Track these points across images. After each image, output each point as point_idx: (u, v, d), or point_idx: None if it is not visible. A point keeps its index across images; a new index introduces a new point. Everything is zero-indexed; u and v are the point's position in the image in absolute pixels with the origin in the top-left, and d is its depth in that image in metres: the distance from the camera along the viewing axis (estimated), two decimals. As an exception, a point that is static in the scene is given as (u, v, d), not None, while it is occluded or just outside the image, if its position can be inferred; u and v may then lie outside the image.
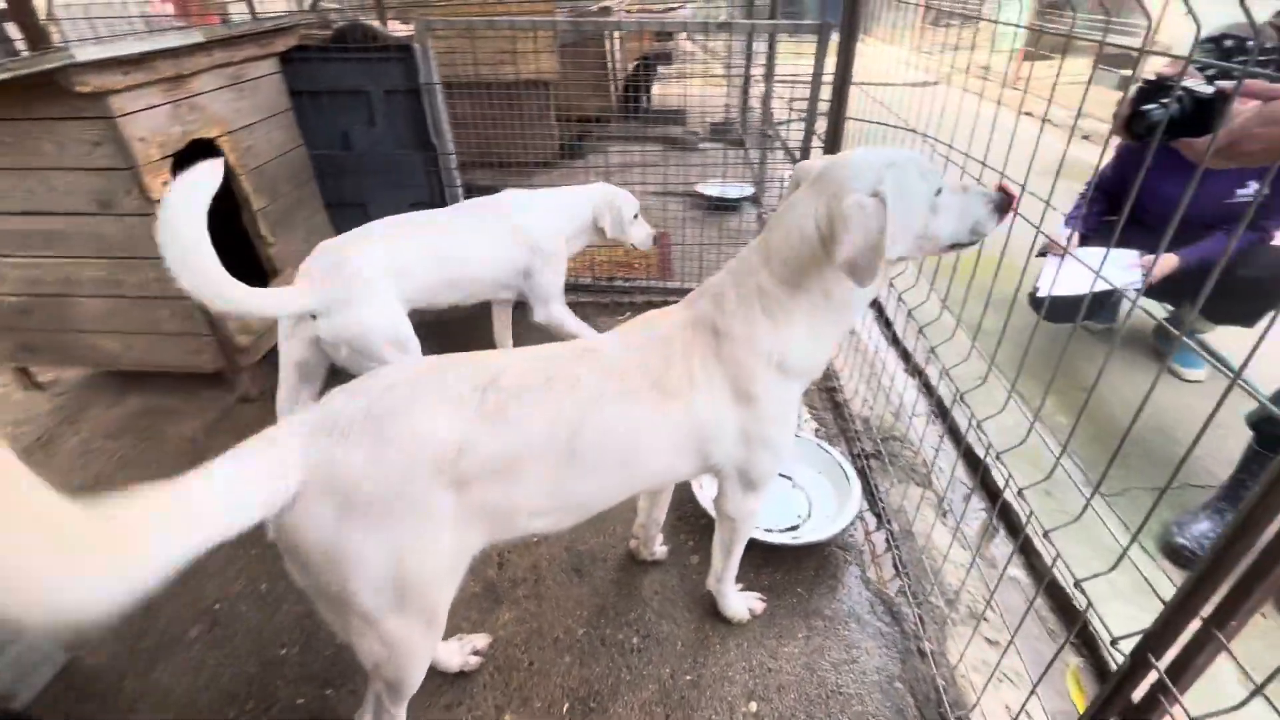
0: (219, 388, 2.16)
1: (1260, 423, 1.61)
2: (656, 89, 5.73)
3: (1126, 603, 1.29)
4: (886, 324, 2.69)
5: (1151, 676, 0.73)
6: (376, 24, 2.53)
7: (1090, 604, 0.89)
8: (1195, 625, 0.69)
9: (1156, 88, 1.25)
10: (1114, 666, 0.80)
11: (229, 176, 1.98)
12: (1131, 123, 1.31)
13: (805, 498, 1.75)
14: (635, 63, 5.52)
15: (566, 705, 1.28)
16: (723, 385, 1.07)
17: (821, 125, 2.33)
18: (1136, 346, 2.57)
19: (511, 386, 0.94)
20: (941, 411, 2.08)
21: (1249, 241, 2.05)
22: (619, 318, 2.67)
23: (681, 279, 2.88)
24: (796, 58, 4.47)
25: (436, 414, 0.88)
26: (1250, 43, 1.62)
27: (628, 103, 4.90)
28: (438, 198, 2.58)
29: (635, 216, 2.22)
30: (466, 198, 2.71)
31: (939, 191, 1.01)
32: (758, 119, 4.41)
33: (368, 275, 1.60)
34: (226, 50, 1.99)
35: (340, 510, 0.82)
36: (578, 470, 0.98)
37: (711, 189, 3.69)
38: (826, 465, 1.78)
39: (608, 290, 2.84)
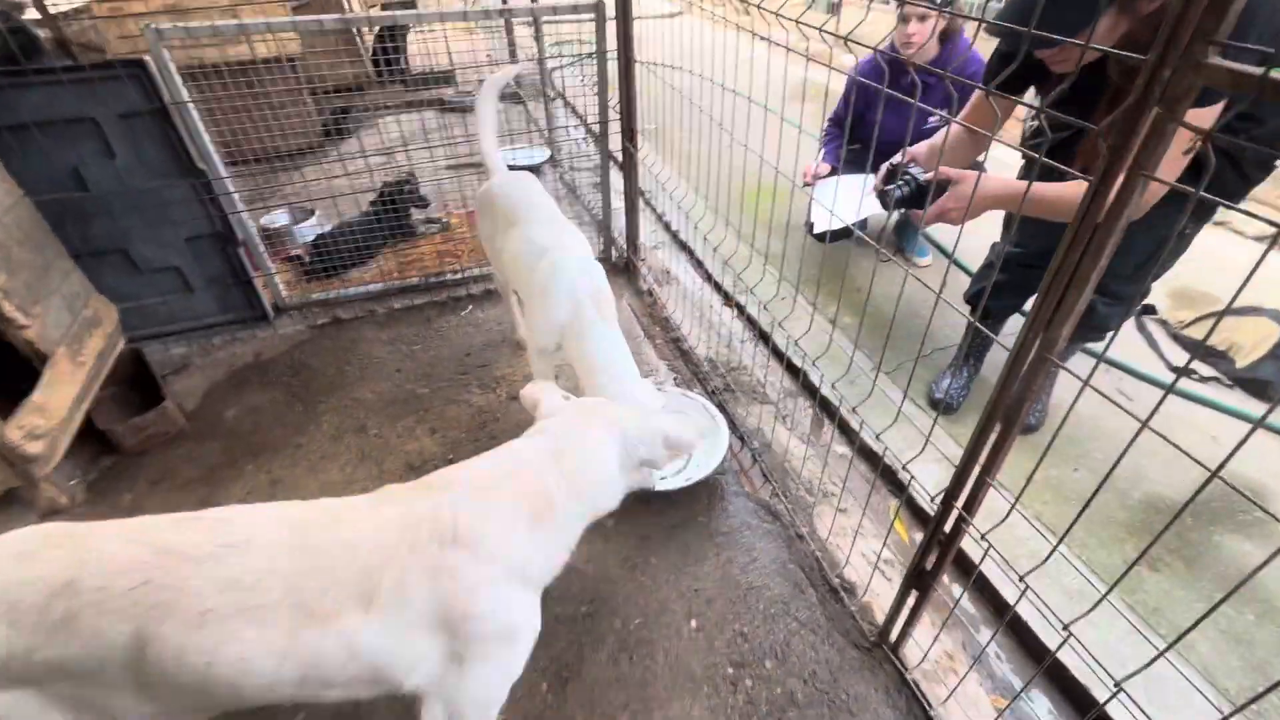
0: (13, 508, 1.81)
1: (974, 298, 2.21)
2: (414, 48, 5.32)
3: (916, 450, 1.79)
4: (698, 263, 3.04)
5: (954, 515, 1.11)
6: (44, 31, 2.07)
7: (907, 471, 1.28)
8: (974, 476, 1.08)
9: (893, 172, 1.69)
10: (930, 511, 1.19)
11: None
12: (881, 198, 1.77)
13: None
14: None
15: (545, 685, 1.45)
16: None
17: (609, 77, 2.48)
18: (884, 247, 3.23)
19: (92, 589, 0.81)
20: (763, 336, 2.49)
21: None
22: (461, 313, 2.66)
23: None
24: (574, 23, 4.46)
25: None
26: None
27: (383, 66, 4.51)
28: (219, 225, 2.29)
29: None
30: (248, 207, 2.45)
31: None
32: (533, 77, 4.39)
33: None
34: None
35: None
36: (173, 689, 0.85)
37: (515, 158, 3.67)
38: (693, 409, 2.08)
39: (440, 286, 2.79)
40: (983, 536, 1.03)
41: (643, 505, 1.82)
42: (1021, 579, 1.00)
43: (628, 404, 1.43)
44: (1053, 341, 0.87)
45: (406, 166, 3.11)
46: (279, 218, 3.10)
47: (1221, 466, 0.71)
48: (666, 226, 3.38)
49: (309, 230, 3.01)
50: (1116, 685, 0.89)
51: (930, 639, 1.43)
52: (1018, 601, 1.04)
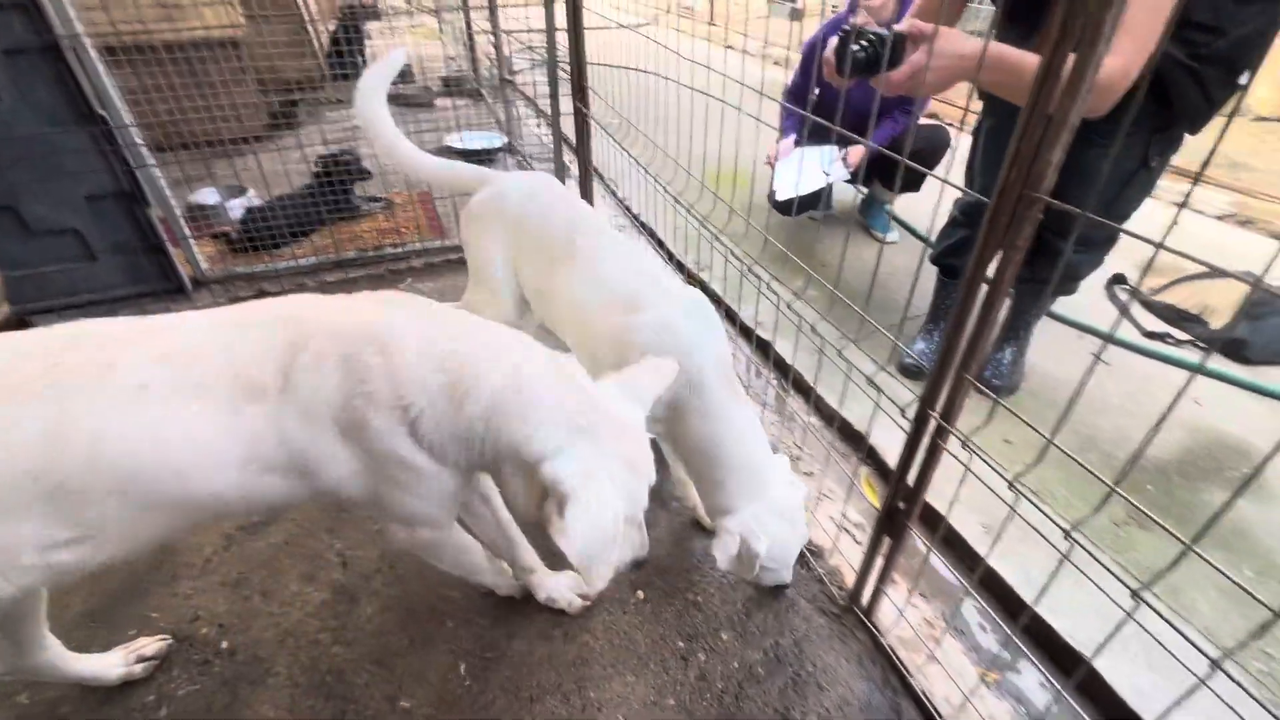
0: None
1: (938, 260, 2.10)
2: (373, 46, 5.20)
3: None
4: (659, 243, 2.90)
5: (932, 424, 0.95)
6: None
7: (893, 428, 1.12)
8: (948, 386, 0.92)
9: (852, 33, 1.49)
10: (904, 431, 1.03)
11: None
12: (839, 65, 1.55)
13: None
14: (338, 18, 4.94)
15: (463, 666, 1.24)
16: None
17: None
18: (849, 224, 3.15)
19: None
20: (729, 315, 2.34)
21: (903, 125, 2.61)
22: (399, 286, 2.47)
23: (454, 235, 2.74)
24: (522, 7, 4.40)
25: None
26: None
27: (338, 62, 4.38)
28: (126, 183, 2.07)
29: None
30: (173, 189, 2.25)
31: None
32: (492, 70, 4.29)
33: None
34: None
35: None
36: (102, 491, 0.73)
37: (462, 142, 3.53)
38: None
39: (379, 260, 2.60)
40: (965, 442, 0.87)
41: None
42: (1011, 485, 0.84)
43: (764, 512, 1.17)
44: (1035, 184, 0.73)
45: (348, 144, 2.93)
46: (208, 195, 2.88)
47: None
48: (627, 210, 3.26)
49: (238, 206, 2.80)
50: (1133, 594, 0.73)
51: (905, 602, 1.26)
52: (1009, 517, 0.87)
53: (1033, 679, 1.27)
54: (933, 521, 1.48)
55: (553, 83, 2.53)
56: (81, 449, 0.70)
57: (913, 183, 2.70)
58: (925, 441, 0.95)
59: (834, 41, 1.32)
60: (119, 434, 0.72)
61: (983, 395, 0.89)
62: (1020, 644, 0.96)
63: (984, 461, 0.91)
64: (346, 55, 4.67)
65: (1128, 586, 0.74)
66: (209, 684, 1.21)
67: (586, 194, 2.74)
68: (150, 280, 2.28)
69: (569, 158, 2.82)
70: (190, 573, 1.40)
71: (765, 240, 1.49)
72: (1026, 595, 1.35)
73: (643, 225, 3.04)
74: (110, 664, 1.18)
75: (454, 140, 3.52)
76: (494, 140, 3.65)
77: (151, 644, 1.24)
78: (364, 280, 2.50)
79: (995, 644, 1.33)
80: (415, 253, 2.64)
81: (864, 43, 1.22)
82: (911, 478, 1.03)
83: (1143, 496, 1.65)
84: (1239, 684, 0.70)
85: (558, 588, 1.31)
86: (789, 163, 2.63)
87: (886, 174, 2.80)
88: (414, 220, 2.85)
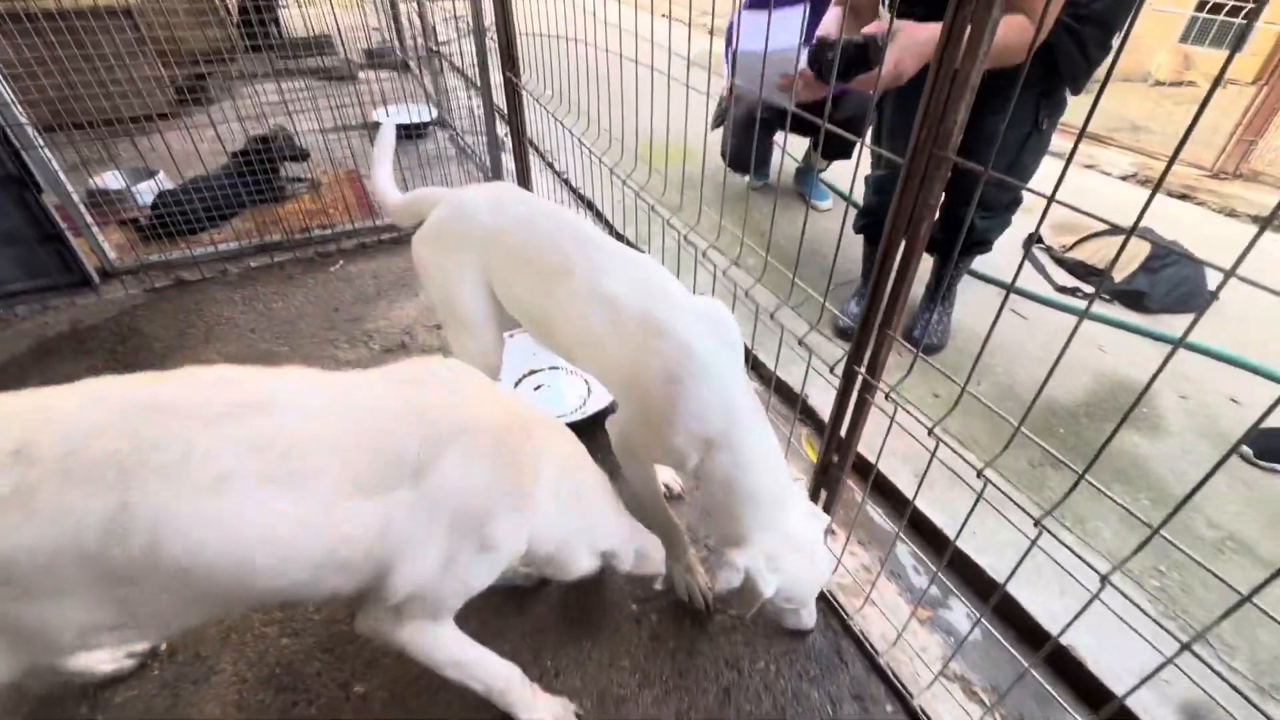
0: None
1: (860, 228, 2.16)
2: (288, 14, 4.88)
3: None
4: (598, 214, 2.88)
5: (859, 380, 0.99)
6: None
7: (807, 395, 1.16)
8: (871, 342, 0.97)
9: (824, 44, 1.49)
10: (834, 387, 1.08)
11: None
12: (820, 72, 1.52)
13: (584, 381, 1.88)
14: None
15: (417, 645, 1.24)
16: None
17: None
18: (787, 194, 3.21)
19: (56, 453, 0.63)
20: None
21: (840, 90, 2.66)
22: (330, 269, 2.38)
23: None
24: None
25: None
26: None
27: (252, 32, 4.09)
28: (13, 167, 1.90)
29: None
30: (71, 174, 2.08)
31: None
32: (417, 40, 4.10)
33: None
34: None
35: None
36: (156, 586, 0.68)
37: (390, 116, 3.38)
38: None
39: (306, 244, 2.48)
40: (889, 392, 0.92)
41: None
42: (930, 431, 0.90)
43: (779, 548, 1.07)
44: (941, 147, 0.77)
45: (278, 121, 2.76)
46: (111, 179, 2.67)
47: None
48: (567, 183, 3.21)
49: (147, 190, 2.61)
50: (1036, 522, 0.79)
51: (842, 550, 1.33)
52: (931, 459, 0.93)
53: (961, 613, 1.37)
54: (868, 473, 1.56)
55: (481, 53, 2.45)
56: (141, 543, 0.65)
57: (844, 150, 2.77)
58: (854, 397, 0.99)
59: (806, 59, 1.36)
60: (185, 531, 0.66)
61: (905, 350, 0.94)
62: (944, 579, 1.03)
63: (908, 413, 0.96)
64: (257, 24, 4.37)
65: (1032, 516, 0.81)
66: (147, 688, 1.17)
67: (524, 168, 2.69)
68: (50, 273, 2.12)
69: (503, 131, 2.75)
70: (119, 577, 1.34)
71: (700, 209, 1.51)
72: (952, 536, 1.44)
73: (581, 198, 3.01)
74: (99, 660, 1.16)
75: (380, 115, 3.38)
76: (424, 113, 3.52)
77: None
78: (291, 264, 2.39)
79: (927, 584, 1.43)
80: (345, 234, 2.54)
81: (834, 54, 1.25)
82: (844, 432, 1.08)
83: (1055, 439, 1.78)
84: (1129, 598, 0.78)
85: None
86: (755, 23, 2.56)
87: (861, 64, 2.88)
88: (341, 200, 2.73)
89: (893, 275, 0.84)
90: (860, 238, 2.22)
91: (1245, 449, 1.73)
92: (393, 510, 0.76)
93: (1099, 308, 2.31)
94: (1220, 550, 1.51)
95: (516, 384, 1.87)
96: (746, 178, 3.06)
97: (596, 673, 1.21)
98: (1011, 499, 1.04)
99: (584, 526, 1.01)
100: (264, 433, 0.70)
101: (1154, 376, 0.63)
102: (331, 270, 2.36)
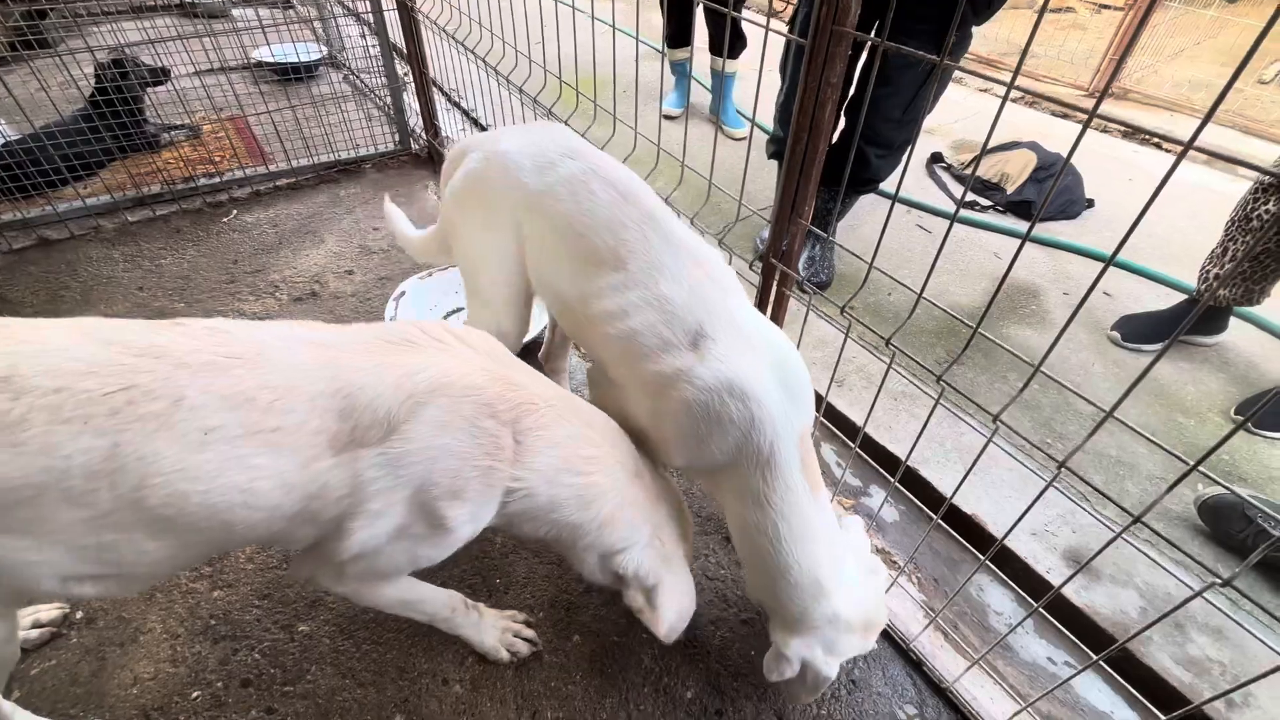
0: None
1: (774, 155, 2.19)
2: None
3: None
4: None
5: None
6: None
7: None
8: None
9: None
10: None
11: None
12: None
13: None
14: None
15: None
16: None
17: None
18: (705, 125, 3.20)
19: (44, 389, 0.62)
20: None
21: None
22: (223, 220, 2.19)
23: (280, 159, 2.44)
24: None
25: None
26: None
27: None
28: None
29: None
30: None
31: None
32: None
33: None
34: None
35: None
36: (139, 531, 0.67)
37: (273, 56, 3.09)
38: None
39: (193, 194, 2.27)
40: (802, 283, 0.96)
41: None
42: (843, 310, 0.95)
43: (837, 629, 0.93)
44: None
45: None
46: (-60, 132, 2.33)
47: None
48: (475, 121, 3.06)
49: (-12, 142, 2.29)
50: (939, 379, 0.86)
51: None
52: (846, 336, 0.99)
53: (880, 497, 1.49)
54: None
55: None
56: (128, 487, 0.64)
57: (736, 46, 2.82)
58: (773, 290, 1.03)
59: None
60: (170, 481, 0.66)
61: (816, 235, 0.98)
62: (874, 478, 1.11)
63: (820, 316, 1.02)
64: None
65: (934, 373, 0.88)
66: (67, 656, 1.11)
67: (428, 106, 2.55)
68: (-119, 238, 1.85)
69: (404, 70, 2.57)
70: (18, 550, 1.24)
71: (637, 137, 1.49)
72: (866, 430, 1.55)
73: (494, 138, 2.89)
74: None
75: (263, 54, 3.08)
76: (310, 51, 3.23)
77: (48, 610, 1.14)
78: (177, 217, 2.19)
79: (850, 477, 1.53)
80: (237, 182, 2.34)
81: None
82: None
83: (958, 338, 1.93)
84: (1009, 454, 0.87)
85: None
86: None
87: (716, 42, 2.93)
88: (229, 147, 2.50)
89: (801, 160, 0.87)
90: (774, 164, 2.25)
91: (1114, 333, 1.93)
92: (361, 469, 0.74)
93: (993, 218, 2.48)
94: (1094, 421, 1.70)
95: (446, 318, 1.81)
96: (665, 105, 3.06)
97: (544, 583, 1.24)
98: (912, 381, 1.13)
99: (586, 529, 0.89)
100: (249, 387, 0.69)
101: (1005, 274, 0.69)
102: (225, 221, 2.18)
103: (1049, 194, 0.78)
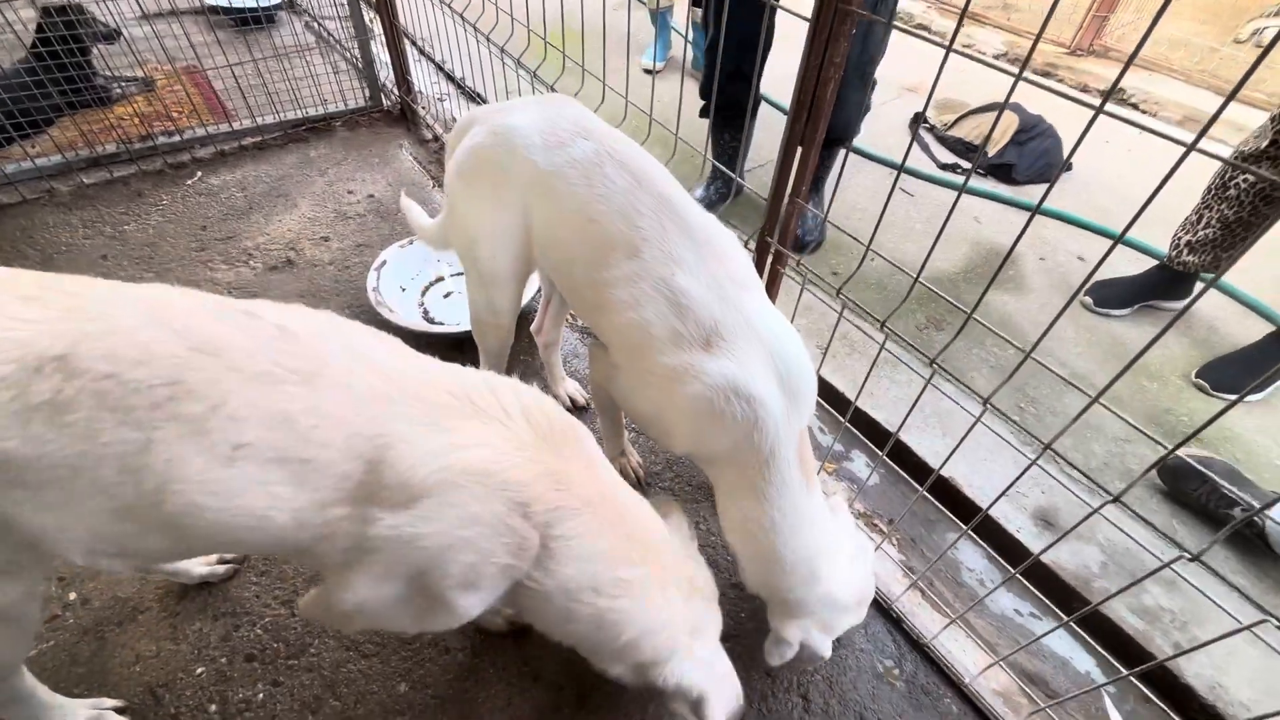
0: None
1: (704, 114, 2.11)
2: None
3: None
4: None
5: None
6: None
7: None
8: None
9: None
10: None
11: None
12: None
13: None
14: None
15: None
16: None
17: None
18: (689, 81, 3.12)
19: (97, 373, 0.60)
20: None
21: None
22: (187, 183, 2.09)
23: (244, 116, 2.32)
24: None
25: None
26: None
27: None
28: None
29: None
30: None
31: None
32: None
33: None
34: None
35: None
36: (150, 530, 0.67)
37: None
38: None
39: (152, 154, 2.15)
40: (798, 262, 0.97)
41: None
42: (838, 293, 0.96)
43: (830, 610, 0.98)
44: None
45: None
46: None
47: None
48: (449, 76, 2.93)
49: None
50: (931, 361, 0.89)
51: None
52: (840, 316, 1.01)
53: (861, 461, 1.54)
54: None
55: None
56: (152, 486, 0.63)
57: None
58: (767, 268, 1.04)
59: None
60: (189, 491, 0.64)
61: (809, 207, 0.98)
62: (848, 431, 1.15)
63: (812, 292, 1.03)
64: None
65: (926, 356, 0.90)
66: (65, 637, 1.11)
67: (399, 59, 2.43)
68: None
69: (370, 15, 2.44)
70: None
71: (604, 89, 1.44)
72: (852, 398, 1.59)
73: (465, 90, 2.78)
74: None
75: (216, -3, 2.88)
76: (266, -3, 3.03)
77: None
78: (137, 179, 2.08)
79: (833, 442, 1.58)
80: (198, 140, 2.22)
81: None
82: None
83: (938, 303, 1.96)
84: (998, 434, 0.91)
85: None
86: None
87: None
88: (186, 101, 2.36)
89: (800, 139, 0.86)
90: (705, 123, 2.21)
91: (1086, 298, 1.99)
92: (371, 531, 0.69)
93: (975, 182, 2.49)
94: (1065, 384, 1.77)
95: (424, 292, 1.79)
96: (643, 59, 3.00)
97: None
98: (897, 357, 1.16)
99: (604, 647, 0.85)
100: (295, 409, 0.66)
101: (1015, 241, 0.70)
102: (189, 184, 2.08)
103: (1054, 177, 0.79)
